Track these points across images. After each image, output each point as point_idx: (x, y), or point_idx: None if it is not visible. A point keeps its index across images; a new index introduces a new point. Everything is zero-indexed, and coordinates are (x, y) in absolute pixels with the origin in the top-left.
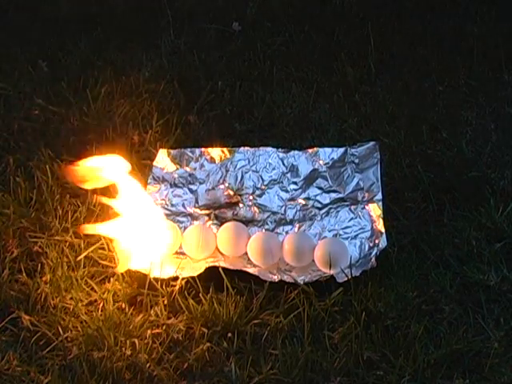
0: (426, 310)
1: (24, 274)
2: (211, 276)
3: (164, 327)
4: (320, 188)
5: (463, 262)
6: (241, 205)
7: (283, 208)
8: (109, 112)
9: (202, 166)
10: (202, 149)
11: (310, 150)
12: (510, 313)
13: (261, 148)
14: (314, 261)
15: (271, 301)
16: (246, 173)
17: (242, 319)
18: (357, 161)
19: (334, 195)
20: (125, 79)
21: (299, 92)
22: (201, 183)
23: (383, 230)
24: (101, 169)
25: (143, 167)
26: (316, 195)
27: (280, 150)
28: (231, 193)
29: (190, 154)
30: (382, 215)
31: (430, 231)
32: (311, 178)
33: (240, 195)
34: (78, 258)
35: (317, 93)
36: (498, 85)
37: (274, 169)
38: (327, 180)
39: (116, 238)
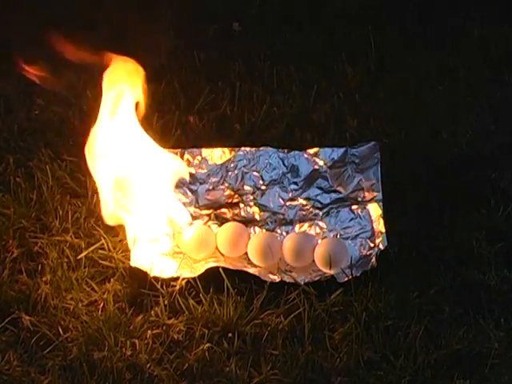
0: (426, 310)
1: (24, 275)
2: (211, 276)
3: (164, 327)
4: (320, 188)
5: (463, 263)
6: (241, 205)
7: (283, 208)
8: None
9: (202, 166)
10: (203, 149)
11: (310, 151)
12: (511, 313)
13: (261, 148)
14: (314, 261)
15: (271, 301)
16: (246, 173)
17: (243, 319)
18: (357, 161)
19: (334, 195)
20: None
21: (299, 92)
22: (201, 183)
23: (383, 230)
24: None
25: None
26: (316, 195)
27: (280, 150)
28: (231, 193)
29: (191, 155)
30: (382, 215)
31: (430, 231)
32: (311, 178)
33: (240, 195)
34: (78, 257)
35: (317, 93)
36: (498, 85)
37: (274, 169)
38: (327, 180)
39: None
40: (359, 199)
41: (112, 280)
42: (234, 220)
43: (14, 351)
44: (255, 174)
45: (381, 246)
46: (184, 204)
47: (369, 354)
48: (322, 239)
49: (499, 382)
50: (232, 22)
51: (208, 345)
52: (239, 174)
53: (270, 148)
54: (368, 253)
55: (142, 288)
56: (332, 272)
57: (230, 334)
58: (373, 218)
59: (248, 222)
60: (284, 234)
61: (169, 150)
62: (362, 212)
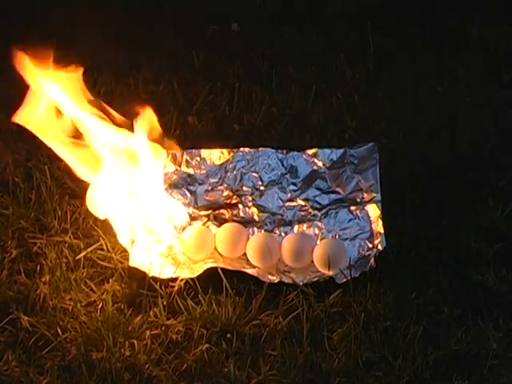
0: (424, 310)
1: (23, 275)
2: (210, 277)
3: (163, 328)
4: (319, 189)
5: (462, 263)
6: (240, 206)
7: (282, 209)
8: (107, 114)
9: (201, 167)
10: (201, 150)
11: (309, 151)
12: (509, 314)
13: (260, 149)
14: (313, 262)
15: (270, 302)
16: (245, 174)
17: (241, 320)
18: (356, 162)
19: (333, 196)
20: (124, 80)
21: (298, 93)
22: (200, 184)
23: (382, 231)
24: None
25: None
26: (315, 196)
27: (279, 150)
28: (230, 194)
29: (189, 155)
30: (381, 216)
31: (429, 232)
32: (310, 178)
33: (239, 196)
34: (77, 258)
35: (316, 94)
36: (497, 85)
37: (273, 170)
38: (326, 181)
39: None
40: (358, 200)
41: (111, 280)
42: (233, 221)
43: (12, 351)
44: (254, 174)
45: (379, 247)
46: (183, 204)
47: (367, 355)
48: (321, 240)
49: (498, 382)
50: (231, 23)
51: (207, 345)
52: (238, 174)
53: (269, 149)
54: (367, 253)
55: (141, 288)
56: (331, 273)
57: (228, 335)
58: (371, 218)
59: (247, 222)
60: (283, 234)
61: (167, 150)
62: (360, 213)
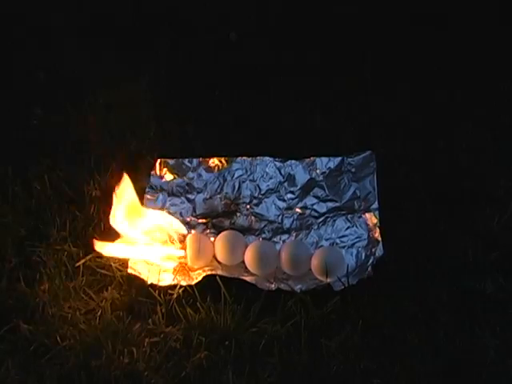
0: (422, 318)
1: (22, 283)
2: (209, 284)
3: (162, 335)
4: (317, 197)
5: (459, 271)
6: (238, 214)
7: (280, 217)
8: (106, 121)
9: (199, 175)
10: (200, 158)
11: (306, 160)
12: (506, 322)
13: (258, 157)
14: (310, 269)
15: (268, 309)
16: (243, 182)
17: (240, 327)
18: (353, 170)
19: (330, 204)
20: (122, 89)
21: (296, 101)
22: (198, 192)
23: (380, 239)
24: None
25: (141, 176)
26: (313, 204)
27: (277, 159)
28: (228, 202)
29: (188, 164)
30: (378, 224)
31: (426, 240)
32: (308, 187)
33: (237, 204)
34: (76, 265)
35: (314, 102)
36: (493, 95)
37: (270, 178)
38: (324, 189)
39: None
40: (355, 208)
41: (109, 288)
42: (231, 229)
43: (12, 359)
44: (252, 183)
45: (377, 255)
46: (181, 213)
47: (365, 363)
48: (319, 248)
49: None
50: (229, 32)
51: (205, 353)
52: (236, 183)
53: (267, 157)
54: (364, 261)
55: (140, 296)
56: (328, 280)
57: (227, 342)
58: (369, 226)
59: (245, 230)
60: (281, 242)
61: (165, 159)
62: (358, 221)
